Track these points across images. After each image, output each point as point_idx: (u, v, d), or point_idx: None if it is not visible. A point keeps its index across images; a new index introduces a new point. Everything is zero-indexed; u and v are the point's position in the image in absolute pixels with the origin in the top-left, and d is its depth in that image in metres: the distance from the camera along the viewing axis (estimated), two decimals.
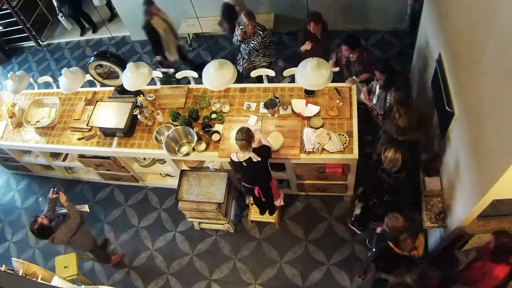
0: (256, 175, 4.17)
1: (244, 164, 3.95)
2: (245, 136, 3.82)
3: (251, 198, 4.85)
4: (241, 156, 3.94)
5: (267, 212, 4.87)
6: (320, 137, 4.20)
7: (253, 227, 5.14)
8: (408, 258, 3.73)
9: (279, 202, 4.71)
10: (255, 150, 3.91)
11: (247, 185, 4.29)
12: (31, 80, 5.15)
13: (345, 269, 4.64)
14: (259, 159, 3.88)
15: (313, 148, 4.20)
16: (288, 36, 6.74)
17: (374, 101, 4.52)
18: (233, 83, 3.79)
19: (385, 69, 4.27)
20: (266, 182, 4.27)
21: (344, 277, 4.59)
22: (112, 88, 5.16)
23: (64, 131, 5.10)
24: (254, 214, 4.97)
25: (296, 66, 3.67)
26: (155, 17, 5.47)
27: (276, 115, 4.58)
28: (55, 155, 5.61)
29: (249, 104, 4.73)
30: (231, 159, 4.07)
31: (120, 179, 5.67)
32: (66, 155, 5.57)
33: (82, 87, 4.65)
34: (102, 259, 5.08)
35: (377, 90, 4.45)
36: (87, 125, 4.90)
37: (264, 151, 3.97)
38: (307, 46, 4.83)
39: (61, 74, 4.33)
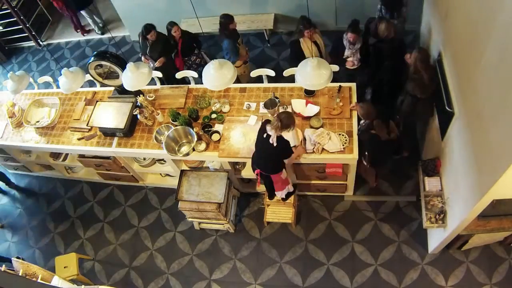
0: (263, 158, 4.09)
1: (264, 136, 3.90)
2: (286, 120, 3.75)
3: (267, 199, 4.80)
4: (267, 129, 3.87)
5: (284, 213, 4.84)
6: (320, 137, 4.20)
7: (253, 227, 5.14)
8: (391, 142, 4.17)
9: (280, 194, 4.53)
10: (278, 137, 3.82)
11: (252, 163, 4.24)
12: (31, 80, 5.15)
13: (345, 269, 4.64)
14: (274, 145, 3.79)
15: (313, 148, 4.20)
16: (288, 36, 6.73)
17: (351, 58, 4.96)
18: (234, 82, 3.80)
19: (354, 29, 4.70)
20: (270, 171, 4.17)
21: (344, 277, 4.59)
22: (112, 88, 5.16)
23: (64, 131, 5.10)
24: (270, 215, 4.90)
25: None
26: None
27: (276, 115, 4.58)
28: (55, 155, 5.61)
29: (249, 104, 4.72)
30: (262, 127, 3.99)
31: (120, 179, 5.67)
32: (66, 155, 5.57)
33: (82, 87, 4.65)
34: None
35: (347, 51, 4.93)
36: (87, 125, 4.89)
37: (283, 143, 3.86)
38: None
39: (61, 74, 4.33)
